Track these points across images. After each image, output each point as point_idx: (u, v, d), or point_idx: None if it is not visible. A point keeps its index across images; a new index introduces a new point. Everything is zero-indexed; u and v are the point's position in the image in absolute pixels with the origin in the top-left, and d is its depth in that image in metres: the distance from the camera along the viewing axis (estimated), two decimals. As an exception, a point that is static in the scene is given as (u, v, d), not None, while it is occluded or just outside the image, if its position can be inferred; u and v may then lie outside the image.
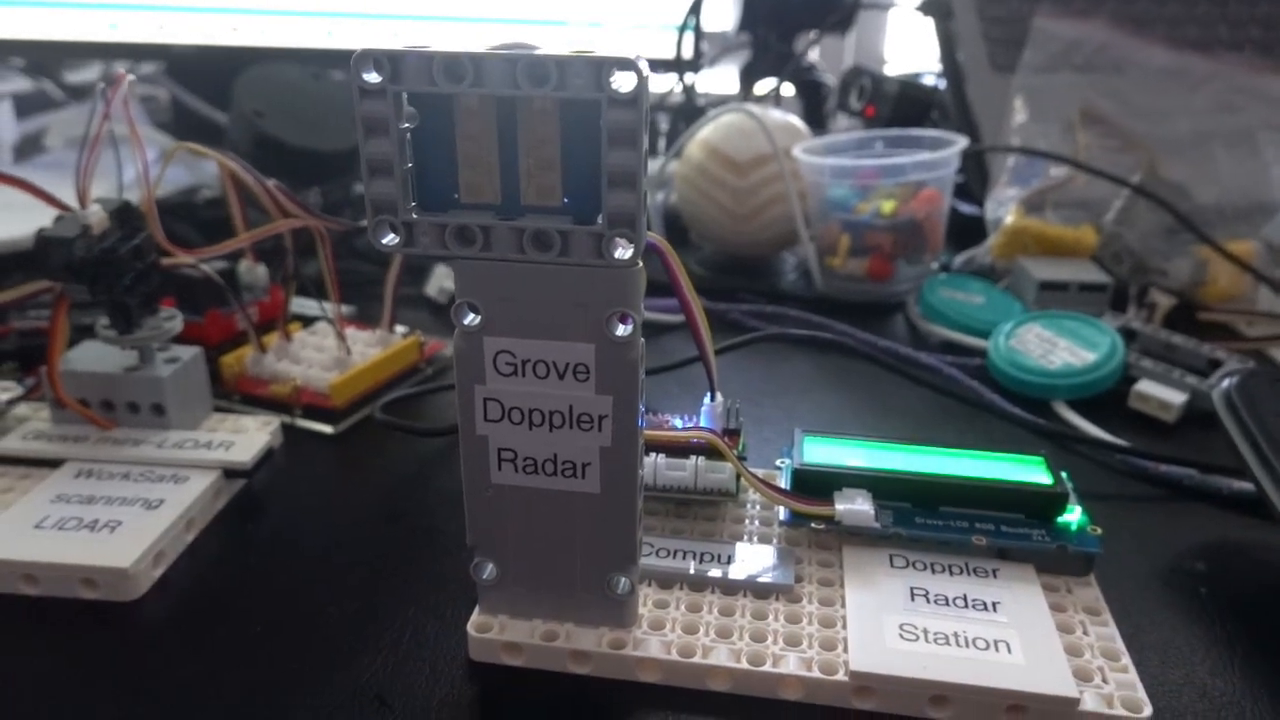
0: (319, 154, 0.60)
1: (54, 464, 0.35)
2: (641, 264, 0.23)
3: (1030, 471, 0.32)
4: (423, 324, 0.49)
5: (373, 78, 0.22)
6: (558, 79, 0.21)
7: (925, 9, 0.69)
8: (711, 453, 0.32)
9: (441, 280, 0.54)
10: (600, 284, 0.23)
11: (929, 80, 0.73)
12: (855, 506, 0.30)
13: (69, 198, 0.34)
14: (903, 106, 0.67)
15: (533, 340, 0.24)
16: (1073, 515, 0.30)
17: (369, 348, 0.44)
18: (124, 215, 0.35)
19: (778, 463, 0.34)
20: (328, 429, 0.39)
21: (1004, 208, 0.58)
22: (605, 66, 0.21)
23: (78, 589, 0.29)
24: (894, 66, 1.01)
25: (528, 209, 0.23)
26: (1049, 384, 0.43)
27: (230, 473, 0.35)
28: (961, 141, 0.53)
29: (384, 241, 0.23)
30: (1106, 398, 0.43)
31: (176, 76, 0.76)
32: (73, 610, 0.29)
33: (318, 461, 0.38)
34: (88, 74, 0.85)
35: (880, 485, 0.31)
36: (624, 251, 0.23)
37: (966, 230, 0.62)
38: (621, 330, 0.24)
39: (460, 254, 0.23)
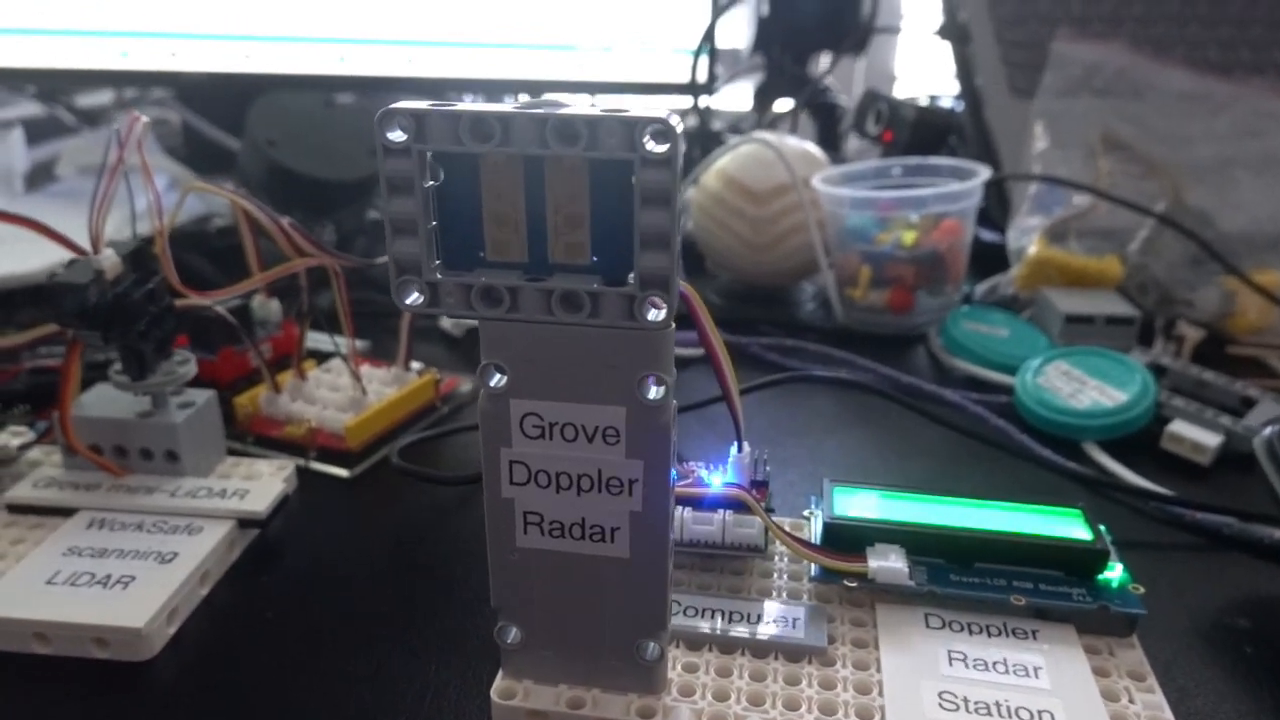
0: (331, 183, 0.59)
1: (66, 512, 0.34)
2: (673, 325, 0.22)
3: (1068, 525, 0.31)
4: (437, 358, 0.49)
5: (397, 136, 0.21)
6: (588, 139, 0.21)
7: (943, 33, 0.69)
8: (740, 506, 0.31)
9: (456, 313, 0.53)
10: (631, 345, 0.22)
11: (944, 103, 0.73)
12: (889, 564, 0.29)
13: (81, 230, 0.33)
14: (921, 132, 0.67)
15: (561, 403, 0.23)
16: (1114, 573, 0.29)
17: (384, 386, 0.43)
18: (138, 258, 0.34)
19: (805, 513, 0.33)
20: (343, 473, 0.39)
21: (1027, 237, 0.57)
22: (639, 127, 0.20)
23: (90, 648, 0.29)
24: (904, 88, 1.00)
25: (556, 267, 0.23)
26: (1079, 424, 0.42)
27: (244, 522, 0.34)
28: (984, 172, 0.52)
29: (408, 302, 0.23)
30: (1138, 438, 0.42)
31: (188, 102, 0.75)
32: (84, 670, 0.28)
33: (333, 508, 0.37)
34: (100, 98, 0.85)
35: (914, 540, 0.30)
36: (657, 314, 0.22)
37: (987, 258, 0.61)
38: (654, 393, 0.23)
39: (486, 315, 0.22)
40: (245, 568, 0.33)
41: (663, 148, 0.20)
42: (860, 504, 0.32)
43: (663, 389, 0.23)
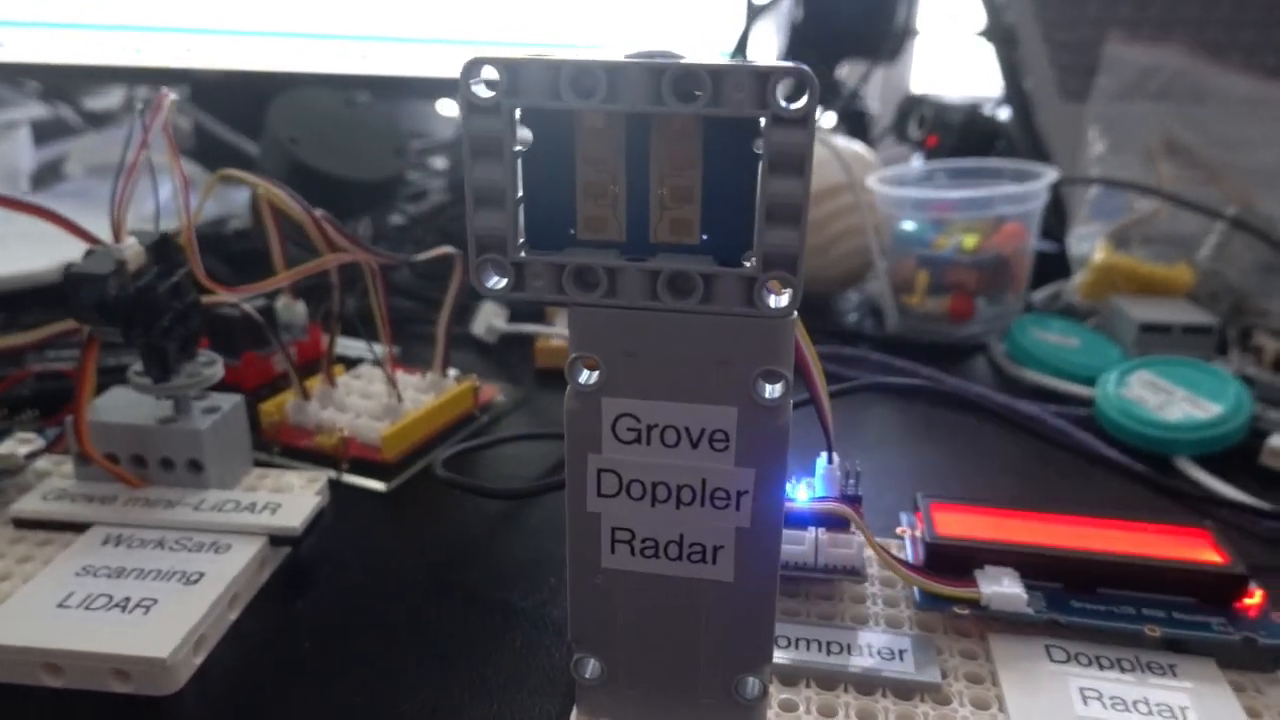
0: (356, 183, 0.57)
1: (79, 528, 0.31)
2: (797, 314, 0.19)
3: (1195, 547, 0.28)
4: (471, 366, 0.46)
5: (484, 91, 0.18)
6: (711, 92, 0.18)
7: (988, 35, 0.66)
8: (833, 523, 0.28)
9: (490, 318, 0.50)
10: (747, 337, 0.19)
11: (982, 107, 0.70)
12: (1004, 589, 0.26)
13: (93, 229, 0.31)
14: (969, 136, 0.64)
15: (662, 402, 0.20)
16: (1253, 600, 0.26)
17: (421, 394, 0.40)
18: (161, 250, 0.31)
19: (898, 530, 0.30)
20: (379, 486, 0.36)
21: (1087, 243, 0.54)
22: (772, 78, 0.17)
23: (108, 681, 0.25)
24: (928, 91, 0.98)
25: (657, 247, 0.20)
26: (1171, 438, 0.39)
27: (276, 539, 0.31)
28: (1049, 174, 0.50)
29: (489, 285, 0.20)
30: (1233, 453, 0.39)
31: (201, 103, 0.73)
32: (101, 706, 0.25)
33: (370, 524, 0.34)
34: (109, 100, 0.82)
35: (1028, 562, 0.27)
36: (780, 299, 0.19)
37: (1040, 266, 0.58)
38: (770, 391, 0.20)
39: (580, 300, 0.19)
40: (278, 590, 0.30)
41: (799, 103, 0.17)
42: (962, 522, 0.29)
43: (780, 387, 0.20)
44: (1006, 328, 0.50)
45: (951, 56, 0.75)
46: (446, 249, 0.39)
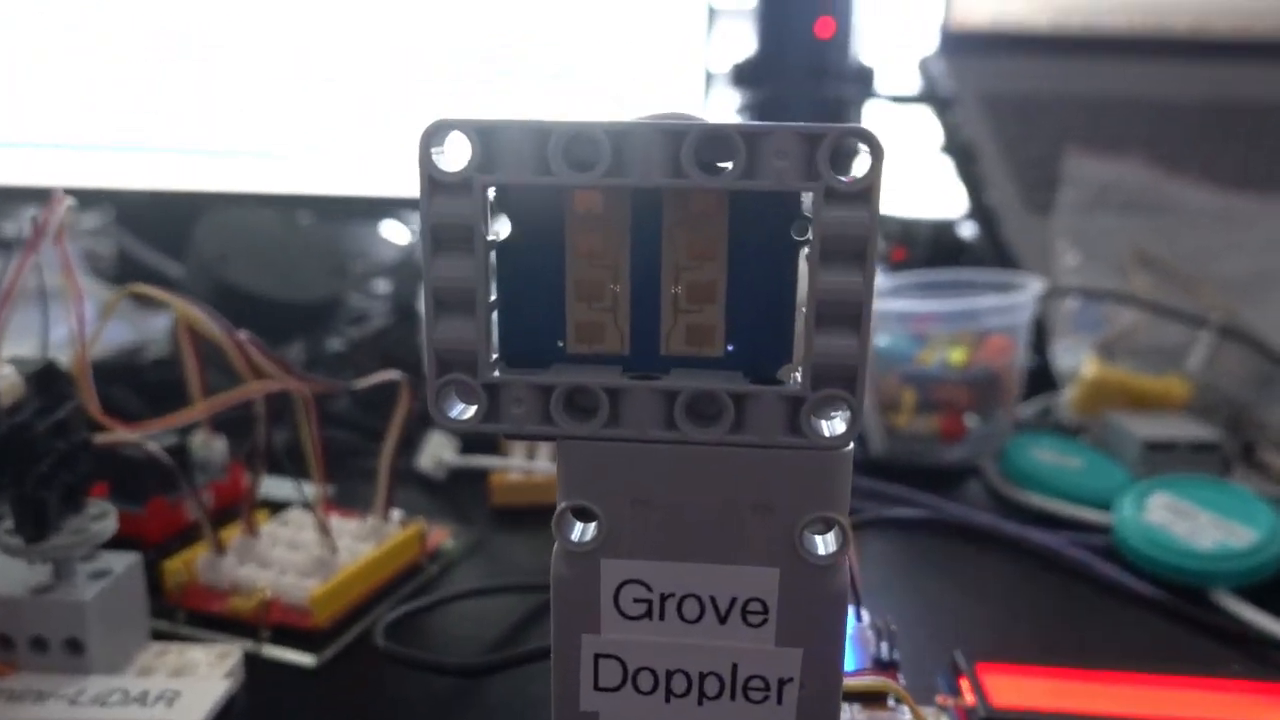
0: (290, 305, 0.52)
1: (-86, 733, 0.24)
2: (853, 445, 0.15)
3: (1293, 708, 0.23)
4: (417, 506, 0.40)
5: (450, 164, 0.14)
6: (745, 161, 0.14)
7: (948, 151, 0.66)
8: (868, 695, 0.23)
9: (439, 450, 0.45)
10: (792, 475, 0.15)
11: (952, 225, 0.69)
12: (1088, 776, 0.21)
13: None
14: (939, 250, 0.62)
15: (681, 564, 0.15)
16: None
17: (359, 542, 0.34)
18: (45, 380, 0.26)
19: (939, 699, 0.25)
20: (308, 660, 0.29)
21: (1072, 356, 0.52)
22: (826, 141, 0.13)
23: None
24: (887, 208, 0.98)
25: (671, 362, 0.15)
26: (1208, 569, 0.35)
27: (172, 738, 0.24)
28: (1035, 284, 0.47)
29: (454, 414, 0.15)
30: (1271, 582, 0.35)
31: (127, 225, 0.68)
32: None
33: (296, 709, 0.28)
34: (18, 224, 0.77)
35: (1107, 738, 0.22)
36: (836, 426, 0.15)
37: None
38: (822, 546, 0.15)
39: (573, 432, 0.15)
40: (170, 807, 0.24)
41: (861, 170, 0.14)
42: (1017, 688, 0.24)
43: (835, 539, 0.15)
44: (1000, 447, 0.46)
45: (912, 173, 0.75)
46: (390, 373, 0.34)
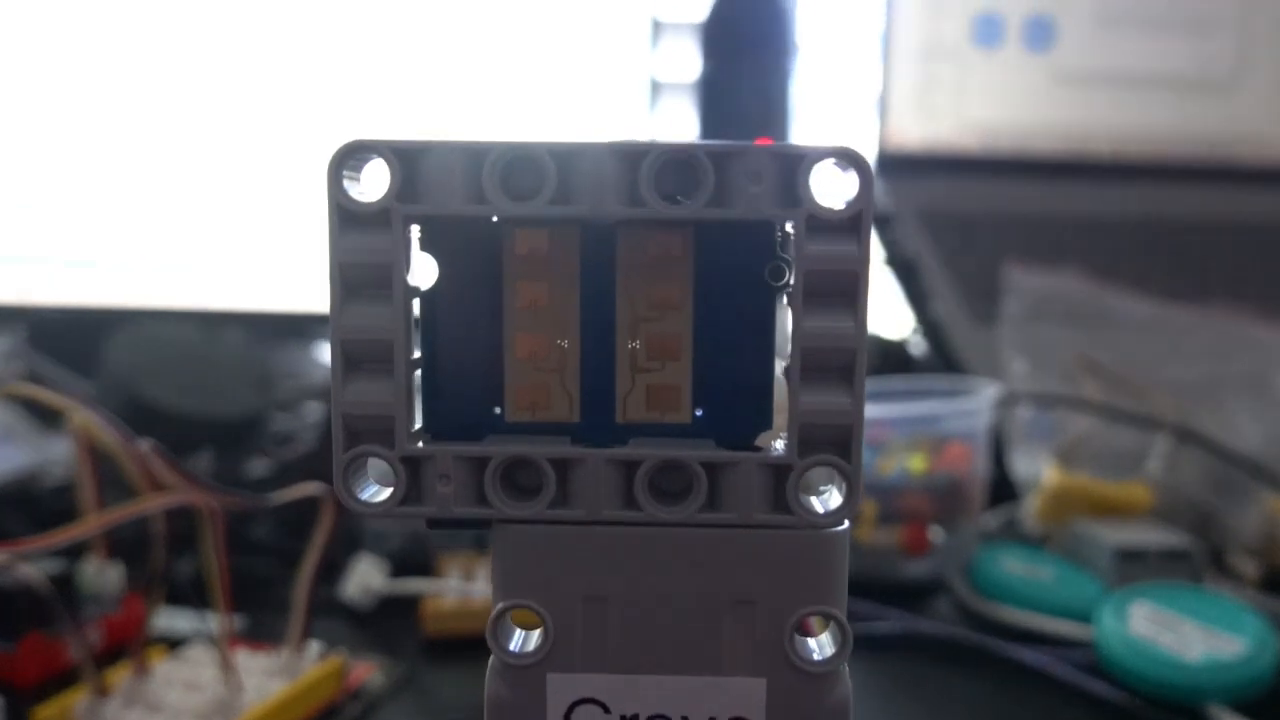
0: (206, 422, 0.48)
1: None
2: (848, 524, 0.13)
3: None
4: (340, 639, 0.36)
5: (365, 191, 0.12)
6: (714, 186, 0.12)
7: (890, 265, 0.66)
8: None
9: (367, 576, 0.41)
10: (777, 562, 0.12)
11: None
12: None
13: None
14: (891, 362, 0.62)
15: (644, 677, 0.13)
16: None
17: (269, 678, 0.30)
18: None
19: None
20: (198, 824, 0.25)
21: (1031, 464, 0.50)
22: (806, 161, 0.12)
23: None
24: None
25: (629, 430, 0.13)
26: (1198, 684, 0.32)
27: None
28: (991, 388, 0.46)
29: (364, 496, 0.12)
30: (1265, 694, 0.33)
31: (39, 344, 0.64)
32: None
33: None
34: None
35: None
36: (830, 500, 0.12)
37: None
38: (817, 650, 0.13)
39: (512, 513, 0.12)
40: None
41: (849, 194, 0.12)
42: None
43: (833, 640, 0.13)
44: (966, 560, 0.44)
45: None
46: (309, 486, 0.31)
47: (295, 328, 0.68)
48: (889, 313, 0.66)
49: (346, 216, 0.12)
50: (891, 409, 0.47)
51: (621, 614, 0.12)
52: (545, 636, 0.12)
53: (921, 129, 0.77)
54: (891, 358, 0.62)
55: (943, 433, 0.46)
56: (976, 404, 0.45)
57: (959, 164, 0.77)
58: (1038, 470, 0.50)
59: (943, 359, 0.61)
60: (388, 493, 0.12)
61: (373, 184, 0.12)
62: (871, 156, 0.73)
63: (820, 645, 0.13)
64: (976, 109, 0.79)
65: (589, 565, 0.12)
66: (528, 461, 0.12)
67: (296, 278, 0.61)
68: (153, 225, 0.57)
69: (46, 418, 0.53)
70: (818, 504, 0.12)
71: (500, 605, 0.12)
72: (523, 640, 0.13)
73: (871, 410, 0.46)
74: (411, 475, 0.12)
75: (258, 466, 0.55)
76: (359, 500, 0.12)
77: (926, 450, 0.45)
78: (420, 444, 0.12)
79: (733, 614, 0.12)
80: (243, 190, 0.57)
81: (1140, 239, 0.70)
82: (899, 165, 0.75)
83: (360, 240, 0.12)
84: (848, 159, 0.12)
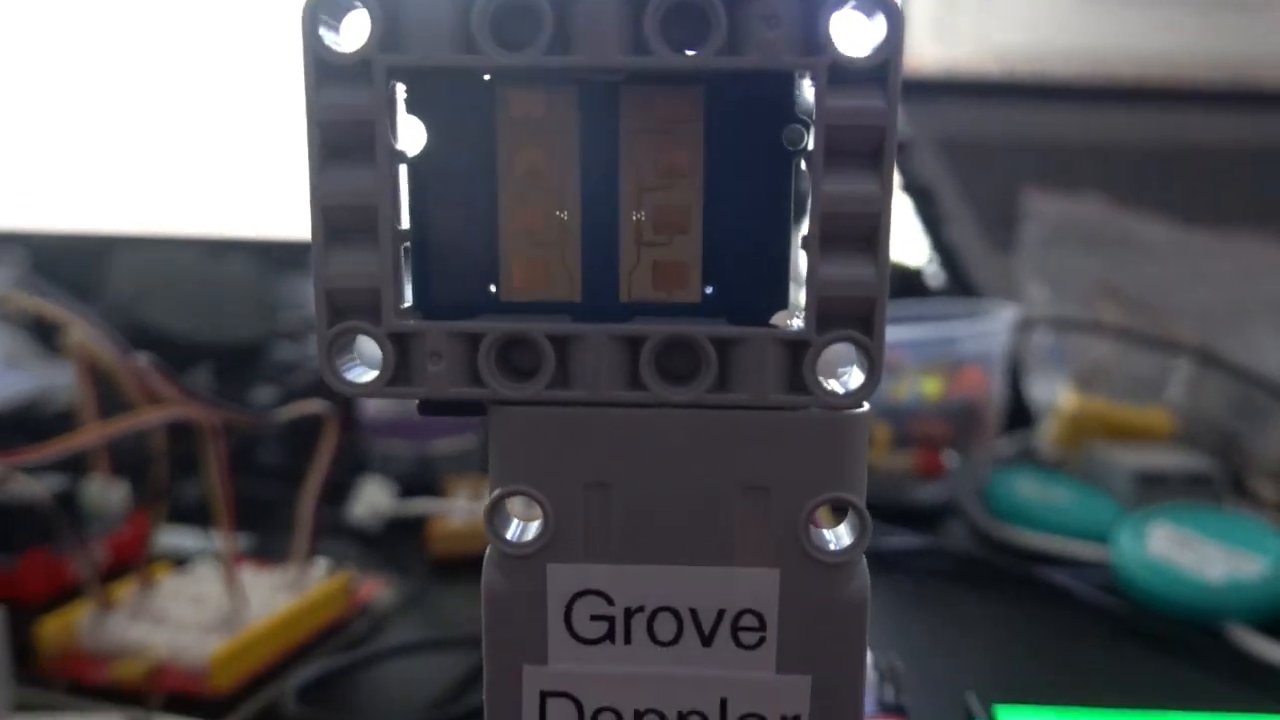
0: (211, 347, 0.48)
1: None
2: (869, 406, 0.12)
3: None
4: (347, 557, 0.36)
5: (342, 41, 0.11)
6: (725, 31, 0.11)
7: (907, 191, 0.64)
8: (873, 750, 0.19)
9: (374, 497, 0.40)
10: (793, 446, 0.12)
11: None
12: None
13: None
14: (905, 288, 0.60)
15: (652, 566, 0.12)
16: None
17: (274, 594, 0.30)
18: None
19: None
20: (204, 732, 0.25)
21: (1047, 390, 0.49)
22: (828, 3, 0.11)
23: None
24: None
25: (634, 308, 0.12)
26: (1221, 604, 0.32)
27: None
28: (1009, 310, 0.45)
29: (350, 376, 0.11)
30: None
31: (43, 270, 0.63)
32: None
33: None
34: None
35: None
36: (850, 379, 0.11)
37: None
38: (834, 540, 0.12)
39: (509, 394, 0.11)
40: None
41: (874, 41, 0.11)
42: (1041, 734, 0.21)
43: (851, 529, 0.12)
44: (981, 484, 0.43)
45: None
46: (313, 403, 0.30)
47: (300, 257, 0.67)
48: (905, 239, 0.65)
49: (324, 69, 0.11)
50: (906, 332, 0.46)
51: (625, 501, 0.12)
52: (544, 525, 0.12)
53: (941, 53, 0.75)
54: (908, 285, 0.61)
55: (958, 356, 0.45)
56: (993, 326, 0.44)
57: (978, 88, 0.74)
58: (1054, 395, 0.50)
59: (959, 286, 0.60)
60: (373, 374, 0.11)
61: (353, 34, 0.11)
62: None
63: (837, 535, 0.12)
64: (996, 32, 0.76)
65: (591, 450, 0.12)
66: (525, 339, 0.11)
67: (302, 206, 0.60)
68: (157, 151, 0.56)
69: (50, 342, 0.53)
70: (837, 384, 0.11)
71: (496, 491, 0.12)
72: (520, 529, 0.12)
73: (886, 333, 0.45)
74: (401, 354, 0.11)
75: (263, 393, 0.55)
76: (345, 380, 0.11)
77: (941, 374, 0.44)
78: (410, 321, 0.11)
79: (744, 501, 0.12)
80: (247, 117, 0.55)
81: (1162, 164, 0.68)
82: (917, 90, 0.72)
83: (340, 95, 0.11)
84: (875, 1, 0.10)
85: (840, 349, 0.11)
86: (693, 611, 0.12)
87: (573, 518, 0.12)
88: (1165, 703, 0.24)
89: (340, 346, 0.11)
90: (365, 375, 0.11)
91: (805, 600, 0.12)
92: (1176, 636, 0.31)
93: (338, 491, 0.42)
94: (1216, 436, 0.46)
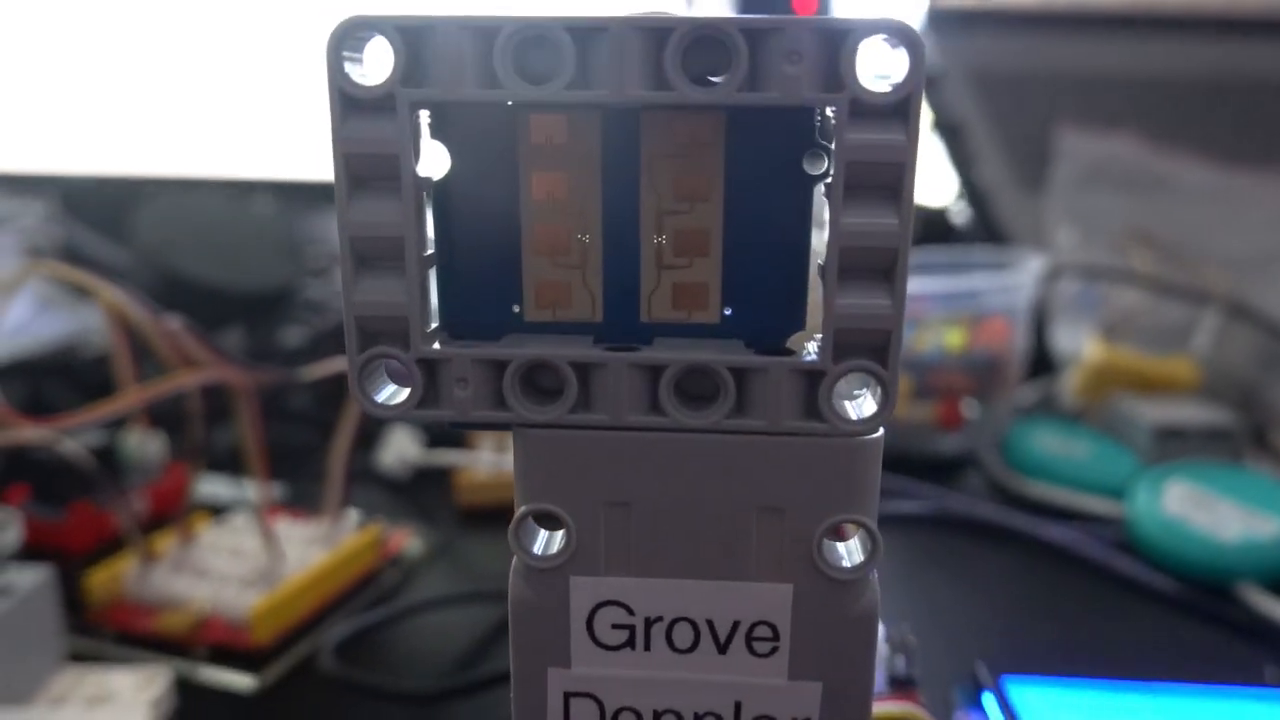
0: (238, 294, 0.48)
1: None
2: (882, 431, 0.12)
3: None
4: (378, 507, 0.37)
5: (367, 74, 0.11)
6: (747, 65, 0.11)
7: (937, 129, 0.63)
8: (884, 721, 0.20)
9: (403, 446, 0.41)
10: (808, 470, 0.12)
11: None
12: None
13: None
14: (931, 231, 0.60)
15: (670, 581, 0.12)
16: None
17: (309, 547, 0.31)
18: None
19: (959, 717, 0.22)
20: (248, 681, 0.26)
21: (1072, 338, 0.49)
22: (852, 38, 0.10)
23: None
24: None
25: (653, 329, 0.12)
26: (1234, 564, 0.32)
27: (82, 782, 0.21)
28: (1035, 262, 0.45)
29: (380, 398, 0.12)
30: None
31: (74, 212, 0.64)
32: None
33: (230, 740, 0.24)
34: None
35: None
36: (864, 407, 0.12)
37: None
38: (846, 557, 0.12)
39: (533, 418, 0.12)
40: None
41: (898, 76, 0.11)
42: (1048, 704, 0.21)
43: (863, 548, 0.12)
44: (1000, 436, 0.44)
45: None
46: (339, 361, 0.31)
47: (325, 195, 0.67)
48: (932, 178, 0.64)
49: (349, 102, 0.11)
50: (930, 283, 0.46)
51: (645, 519, 0.12)
52: (568, 540, 0.12)
53: (974, -20, 0.72)
54: (933, 226, 0.60)
55: (982, 308, 0.44)
56: (1019, 279, 0.44)
57: (1014, 19, 0.72)
58: (1080, 344, 0.49)
59: (987, 227, 0.59)
60: (404, 394, 0.12)
61: (375, 66, 0.11)
62: (920, 11, 0.69)
63: (849, 551, 0.12)
64: (1032, -43, 0.73)
65: (612, 471, 0.12)
66: (548, 364, 0.12)
67: (323, 147, 0.60)
68: (183, 96, 0.56)
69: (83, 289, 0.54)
70: (851, 410, 0.12)
71: (523, 509, 0.12)
72: (545, 543, 0.12)
73: (910, 284, 0.45)
74: (428, 378, 0.12)
75: (292, 335, 0.56)
76: (375, 403, 0.12)
77: (965, 325, 0.44)
78: (436, 345, 0.12)
79: (760, 522, 0.12)
80: (270, 58, 0.55)
81: (1205, 99, 0.65)
82: (949, 21, 0.70)
83: (364, 128, 0.11)
84: (899, 35, 0.10)
85: (854, 375, 0.12)
86: (709, 622, 0.12)
87: (594, 534, 0.12)
88: (1173, 664, 0.24)
89: (370, 370, 0.12)
90: (396, 397, 0.12)
91: (817, 614, 0.12)
92: (1187, 596, 0.32)
93: (367, 440, 0.43)
94: (1240, 390, 0.46)
